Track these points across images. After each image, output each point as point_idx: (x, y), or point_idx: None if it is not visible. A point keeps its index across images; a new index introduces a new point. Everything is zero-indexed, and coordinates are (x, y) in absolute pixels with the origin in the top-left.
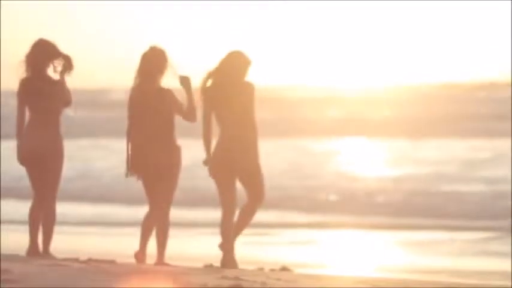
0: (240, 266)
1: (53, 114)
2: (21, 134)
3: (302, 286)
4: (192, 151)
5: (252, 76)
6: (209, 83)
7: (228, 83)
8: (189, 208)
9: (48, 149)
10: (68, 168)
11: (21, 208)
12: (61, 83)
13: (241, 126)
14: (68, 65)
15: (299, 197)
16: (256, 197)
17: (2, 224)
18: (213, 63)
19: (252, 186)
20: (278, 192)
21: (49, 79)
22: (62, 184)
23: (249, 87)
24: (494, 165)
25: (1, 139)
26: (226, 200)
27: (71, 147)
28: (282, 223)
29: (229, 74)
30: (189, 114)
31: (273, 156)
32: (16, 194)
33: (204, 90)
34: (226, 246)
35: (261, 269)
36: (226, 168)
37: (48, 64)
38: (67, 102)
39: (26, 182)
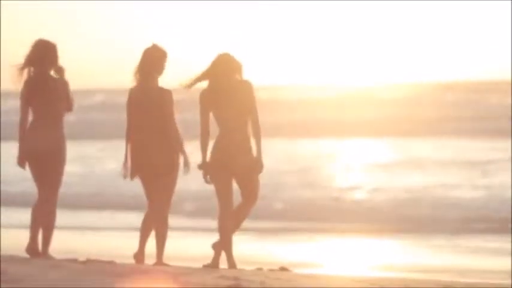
0: (239, 266)
1: (56, 116)
2: (23, 136)
3: (301, 286)
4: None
5: (252, 76)
6: (198, 85)
7: (226, 84)
8: (187, 208)
9: (50, 150)
10: (70, 170)
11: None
12: (65, 84)
13: (239, 126)
14: (60, 74)
15: (298, 198)
16: (250, 198)
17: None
18: (203, 65)
19: (247, 187)
20: (277, 193)
21: (53, 80)
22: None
23: (247, 86)
24: (491, 167)
25: (1, 140)
26: (223, 200)
27: (76, 149)
28: (282, 223)
29: (226, 75)
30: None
31: (273, 157)
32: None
33: (201, 93)
34: (219, 247)
35: (260, 269)
36: (224, 169)
37: (51, 65)
38: (68, 108)
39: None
